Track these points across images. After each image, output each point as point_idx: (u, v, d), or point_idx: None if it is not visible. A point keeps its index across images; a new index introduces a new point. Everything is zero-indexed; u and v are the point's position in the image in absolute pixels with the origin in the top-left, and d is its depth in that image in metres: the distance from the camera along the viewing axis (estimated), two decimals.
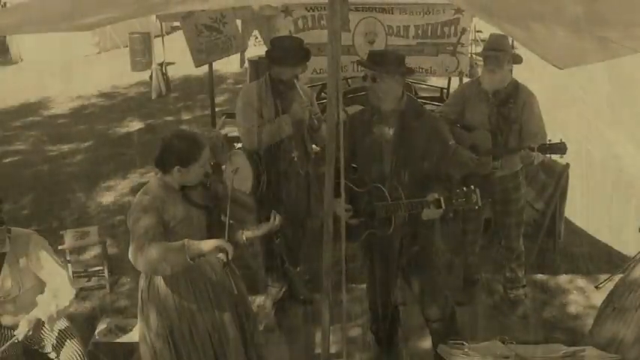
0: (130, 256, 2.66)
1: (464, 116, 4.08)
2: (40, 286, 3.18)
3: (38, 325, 3.02)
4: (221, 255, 2.62)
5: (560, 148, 3.68)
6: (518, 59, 3.99)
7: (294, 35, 4.90)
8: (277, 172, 3.92)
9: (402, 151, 3.19)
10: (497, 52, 3.87)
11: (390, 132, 3.21)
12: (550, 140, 3.84)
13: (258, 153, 3.90)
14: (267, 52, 3.95)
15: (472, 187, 2.98)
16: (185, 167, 2.74)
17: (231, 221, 2.96)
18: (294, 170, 3.95)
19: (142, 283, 2.95)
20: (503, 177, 4.03)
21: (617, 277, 3.42)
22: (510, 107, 3.93)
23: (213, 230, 2.82)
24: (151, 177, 3.05)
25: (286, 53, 3.77)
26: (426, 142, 3.19)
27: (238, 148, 3.98)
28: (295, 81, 3.83)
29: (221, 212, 2.95)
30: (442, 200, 2.99)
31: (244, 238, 2.98)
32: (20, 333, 2.96)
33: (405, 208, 3.13)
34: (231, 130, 5.82)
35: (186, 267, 2.66)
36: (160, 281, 2.87)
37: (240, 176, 3.65)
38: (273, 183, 3.91)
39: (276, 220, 2.96)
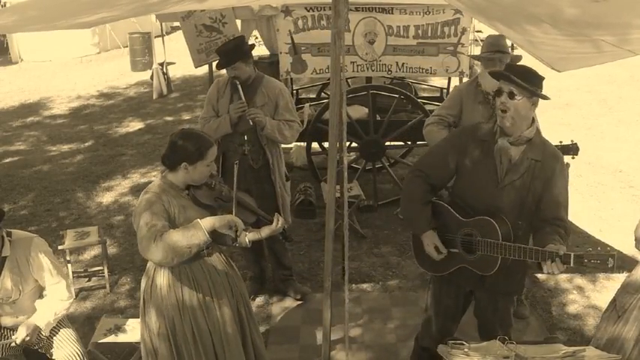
0: (142, 251, 2.66)
1: (461, 118, 4.02)
2: (40, 289, 3.19)
3: (36, 331, 3.05)
4: (230, 231, 2.71)
5: (572, 149, 3.65)
6: (517, 59, 3.96)
7: (239, 35, 4.97)
8: (232, 163, 4.04)
9: (521, 184, 2.80)
10: (501, 53, 3.81)
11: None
12: (561, 142, 3.81)
13: (220, 142, 4.13)
14: None
15: (609, 250, 2.54)
16: (192, 165, 2.79)
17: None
18: (247, 163, 4.11)
19: (144, 283, 2.95)
20: None
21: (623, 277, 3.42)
22: None
23: (214, 230, 2.82)
24: (155, 177, 3.06)
25: (219, 57, 4.07)
26: (548, 180, 2.81)
27: None
28: (236, 82, 3.97)
29: (223, 213, 2.96)
30: (572, 257, 2.53)
31: (247, 241, 3.02)
32: (18, 338, 2.99)
33: (527, 254, 2.64)
34: None
35: (205, 245, 2.71)
36: (162, 280, 2.87)
37: None
38: (230, 171, 4.03)
39: (279, 222, 2.98)
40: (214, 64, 4.25)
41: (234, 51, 3.98)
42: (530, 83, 2.75)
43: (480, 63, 4.06)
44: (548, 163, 2.81)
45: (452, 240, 2.92)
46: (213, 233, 2.71)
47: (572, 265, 2.55)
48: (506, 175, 2.81)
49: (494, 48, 3.84)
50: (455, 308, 3.14)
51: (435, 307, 3.18)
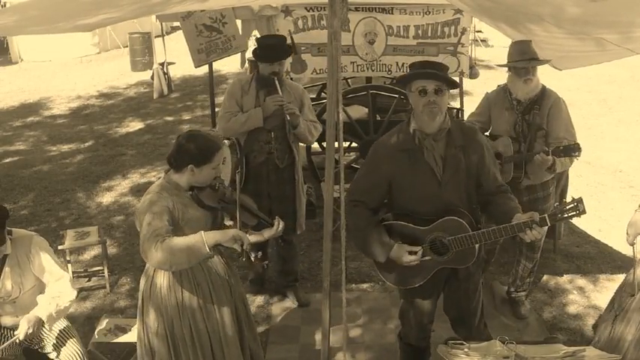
0: (143, 254, 2.65)
1: (490, 125, 4.06)
2: (40, 287, 3.18)
3: (38, 324, 3.02)
4: (236, 245, 2.69)
5: (574, 149, 3.64)
6: (544, 62, 3.90)
7: (280, 34, 4.97)
8: (256, 164, 4.07)
9: (460, 174, 2.86)
10: (535, 60, 3.76)
11: (442, 155, 2.86)
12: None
13: (240, 143, 4.08)
14: (254, 49, 4.12)
15: (573, 198, 2.67)
16: (198, 167, 2.79)
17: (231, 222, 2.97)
18: (272, 162, 4.08)
19: (143, 283, 2.95)
20: (531, 186, 3.96)
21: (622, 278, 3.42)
22: (535, 113, 3.84)
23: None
24: (156, 177, 3.05)
25: (265, 50, 3.98)
26: (479, 158, 2.89)
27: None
28: (274, 77, 3.94)
29: (226, 214, 2.96)
30: (547, 218, 2.64)
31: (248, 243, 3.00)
32: (21, 333, 2.96)
33: (503, 233, 2.72)
34: None
35: (204, 258, 2.70)
36: (162, 280, 2.87)
37: (225, 166, 3.80)
38: (253, 174, 4.05)
39: (279, 225, 2.97)
40: (247, 55, 4.22)
41: (282, 47, 4.00)
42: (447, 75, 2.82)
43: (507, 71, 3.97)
44: (471, 142, 2.90)
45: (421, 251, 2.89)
46: (216, 246, 2.70)
47: (549, 224, 2.67)
48: (444, 171, 2.84)
49: (528, 56, 3.76)
50: (431, 307, 3.16)
51: (413, 312, 3.17)
